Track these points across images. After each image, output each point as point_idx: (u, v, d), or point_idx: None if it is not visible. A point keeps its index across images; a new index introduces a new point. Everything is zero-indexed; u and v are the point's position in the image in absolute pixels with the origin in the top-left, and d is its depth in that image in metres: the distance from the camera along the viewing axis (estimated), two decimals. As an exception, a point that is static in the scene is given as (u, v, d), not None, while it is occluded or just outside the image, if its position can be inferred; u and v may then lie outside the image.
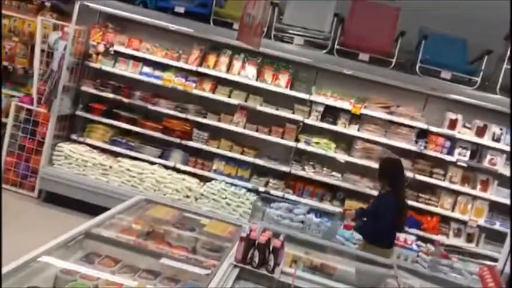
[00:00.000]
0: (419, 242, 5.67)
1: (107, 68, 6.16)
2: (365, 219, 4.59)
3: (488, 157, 5.69)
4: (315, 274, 2.99)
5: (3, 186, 6.09)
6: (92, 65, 6.19)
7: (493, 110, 5.64)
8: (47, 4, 6.47)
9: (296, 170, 5.95)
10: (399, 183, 4.45)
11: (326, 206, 5.90)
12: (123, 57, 6.20)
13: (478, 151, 5.80)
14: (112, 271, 2.48)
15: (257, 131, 5.98)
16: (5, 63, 6.53)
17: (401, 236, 5.59)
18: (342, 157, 5.87)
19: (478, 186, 5.74)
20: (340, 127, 5.85)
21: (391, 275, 3.23)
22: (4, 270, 2.11)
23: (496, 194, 5.68)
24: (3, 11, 6.55)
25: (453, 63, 5.61)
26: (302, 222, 5.60)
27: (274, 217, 5.58)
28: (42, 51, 6.11)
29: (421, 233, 5.75)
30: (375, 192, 5.82)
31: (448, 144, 5.76)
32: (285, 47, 5.72)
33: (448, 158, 5.73)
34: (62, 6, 6.54)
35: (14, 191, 6.10)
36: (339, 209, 5.86)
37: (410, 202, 5.76)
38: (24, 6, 6.61)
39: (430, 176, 5.80)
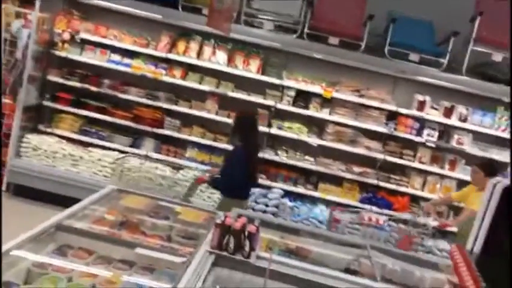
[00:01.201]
0: (390, 223, 5.79)
1: (74, 56, 6.01)
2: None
3: (456, 137, 5.83)
4: (291, 257, 3.03)
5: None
6: (58, 53, 6.02)
7: (459, 91, 5.77)
8: (8, -9, 6.26)
9: (269, 155, 5.97)
10: (250, 136, 4.57)
11: (300, 190, 5.96)
12: (90, 45, 6.05)
13: (445, 131, 5.95)
14: (86, 263, 2.45)
15: (229, 117, 5.96)
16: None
17: (373, 216, 5.71)
18: (314, 141, 5.91)
19: (447, 166, 5.89)
20: (312, 111, 5.89)
21: (365, 255, 3.30)
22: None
23: (464, 172, 5.83)
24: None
25: (421, 45, 5.70)
26: (276, 206, 5.65)
27: (249, 202, 5.61)
28: (5, 40, 5.92)
29: (393, 213, 5.86)
30: (349, 175, 5.92)
31: (417, 125, 5.87)
32: (255, 32, 5.71)
33: (417, 139, 5.85)
34: (24, -7, 6.33)
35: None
36: (313, 193, 5.94)
37: (382, 184, 5.91)
38: (-16, -7, 6.38)
39: (401, 157, 5.91)
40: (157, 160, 5.91)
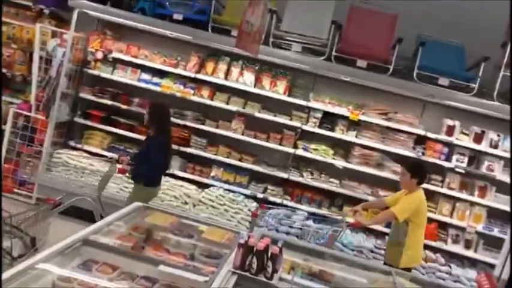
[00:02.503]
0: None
1: (106, 74, 6.18)
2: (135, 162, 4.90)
3: (486, 163, 5.70)
4: (313, 281, 2.99)
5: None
6: (91, 72, 6.20)
7: (490, 116, 5.66)
8: (46, 11, 6.49)
9: (294, 176, 5.95)
10: (166, 126, 4.91)
11: (324, 212, 5.89)
12: (122, 64, 6.22)
13: (475, 157, 5.82)
14: (110, 278, 2.47)
15: (255, 137, 5.99)
16: (3, 70, 6.55)
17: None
18: (340, 163, 5.87)
19: (476, 193, 5.74)
20: (338, 133, 5.86)
21: (390, 281, 3.23)
22: (2, 277, 2.10)
23: (494, 200, 5.68)
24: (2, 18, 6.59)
25: (451, 70, 5.63)
26: (300, 228, 5.60)
27: (273, 223, 5.58)
28: (41, 58, 6.12)
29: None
30: (373, 198, 5.83)
31: (446, 150, 5.77)
32: (283, 54, 5.74)
33: (446, 164, 5.74)
34: (60, 14, 6.56)
35: (12, 198, 6.08)
36: (336, 216, 5.85)
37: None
38: (23, 13, 6.63)
39: (428, 183, 5.79)
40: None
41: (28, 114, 6.13)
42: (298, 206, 5.88)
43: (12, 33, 6.54)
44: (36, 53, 6.12)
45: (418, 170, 4.47)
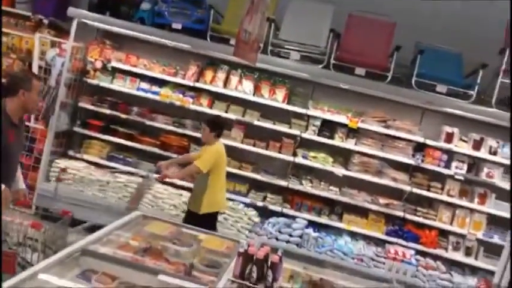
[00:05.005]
0: (418, 256, 5.65)
1: (105, 84, 6.18)
2: None
3: (486, 170, 5.69)
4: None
5: None
6: (90, 81, 6.21)
7: (489, 123, 5.66)
8: (45, 21, 6.50)
9: (294, 184, 5.94)
10: None
11: (324, 220, 5.89)
12: (121, 74, 6.22)
13: (475, 164, 5.82)
14: (109, 288, 2.46)
15: (254, 145, 5.98)
16: (2, 79, 6.54)
17: (399, 250, 5.58)
18: (339, 171, 5.86)
19: (476, 200, 5.73)
20: (337, 141, 5.86)
21: (390, 289, 3.21)
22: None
23: (494, 207, 5.67)
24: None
25: (449, 77, 5.65)
26: (300, 237, 5.59)
27: (273, 232, 5.57)
28: (40, 67, 6.13)
29: (420, 247, 5.73)
30: (374, 207, 5.82)
31: (445, 157, 5.76)
32: (281, 62, 5.76)
33: (445, 171, 5.73)
34: (59, 24, 6.58)
35: (11, 208, 6.05)
36: (337, 224, 5.85)
37: (408, 216, 5.79)
38: (22, 23, 6.64)
39: (428, 190, 5.80)
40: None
41: (27, 124, 6.12)
42: (298, 214, 5.87)
43: (11, 43, 6.55)
44: (36, 63, 6.13)
45: (216, 125, 4.89)
